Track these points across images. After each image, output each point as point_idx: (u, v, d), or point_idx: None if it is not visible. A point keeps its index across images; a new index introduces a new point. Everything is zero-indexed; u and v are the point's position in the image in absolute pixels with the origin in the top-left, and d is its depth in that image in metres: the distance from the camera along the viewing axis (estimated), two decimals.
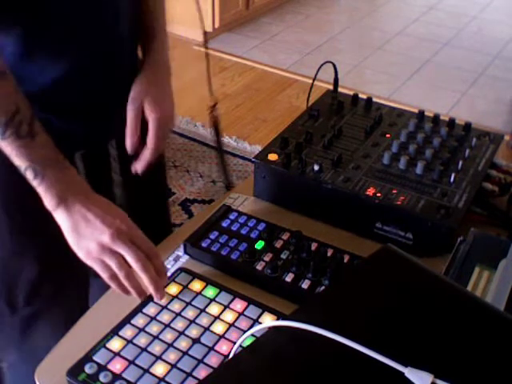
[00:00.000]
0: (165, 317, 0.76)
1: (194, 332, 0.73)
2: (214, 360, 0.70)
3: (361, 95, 1.15)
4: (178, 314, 0.76)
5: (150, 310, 0.76)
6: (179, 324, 0.75)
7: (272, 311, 0.76)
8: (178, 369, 0.69)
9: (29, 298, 0.96)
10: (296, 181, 0.95)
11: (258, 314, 0.76)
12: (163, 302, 0.77)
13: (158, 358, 0.70)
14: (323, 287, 0.79)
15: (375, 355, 0.52)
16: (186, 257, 0.88)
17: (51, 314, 0.99)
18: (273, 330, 0.59)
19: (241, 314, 0.76)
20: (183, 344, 0.72)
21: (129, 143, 0.93)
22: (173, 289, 0.79)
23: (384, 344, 0.53)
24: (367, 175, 0.94)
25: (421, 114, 1.09)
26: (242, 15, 3.81)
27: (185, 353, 0.71)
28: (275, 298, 0.80)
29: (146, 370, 0.69)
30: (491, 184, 0.98)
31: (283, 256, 0.85)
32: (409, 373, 0.50)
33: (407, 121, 1.08)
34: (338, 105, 1.12)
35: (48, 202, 0.76)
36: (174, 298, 0.78)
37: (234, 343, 0.71)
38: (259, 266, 0.83)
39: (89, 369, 0.68)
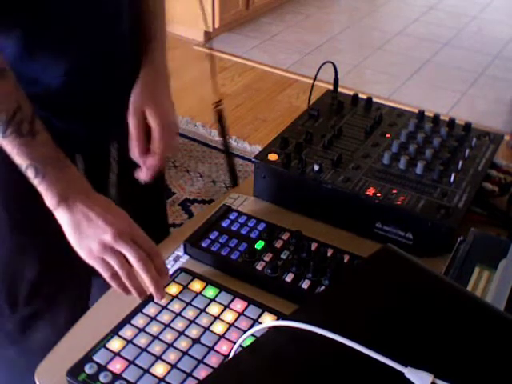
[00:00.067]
0: (165, 317, 0.76)
1: (194, 332, 0.73)
2: (214, 360, 0.70)
3: (361, 95, 1.15)
4: (178, 314, 0.76)
5: (150, 310, 0.76)
6: (179, 324, 0.75)
7: (272, 311, 0.76)
8: (178, 369, 0.69)
9: (29, 298, 0.96)
10: (296, 181, 0.95)
11: (258, 313, 0.76)
12: (163, 302, 0.77)
13: (158, 358, 0.70)
14: (323, 287, 0.79)
15: (375, 355, 0.52)
16: (186, 257, 0.88)
17: (51, 313, 0.99)
18: (273, 330, 0.59)
19: (241, 313, 0.76)
20: (183, 344, 0.72)
21: (135, 153, 0.91)
22: (173, 289, 0.79)
23: (384, 344, 0.53)
24: (367, 175, 0.94)
25: (421, 114, 1.09)
26: (242, 15, 3.81)
27: (185, 353, 0.71)
28: (275, 298, 0.80)
29: (146, 370, 0.69)
30: (491, 184, 0.98)
31: (283, 256, 0.85)
32: (409, 373, 0.50)
33: (407, 121, 1.08)
34: (337, 105, 1.12)
35: (49, 200, 0.76)
36: (174, 298, 0.78)
37: (234, 343, 0.71)
38: (259, 266, 0.83)
39: (89, 369, 0.68)
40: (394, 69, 3.42)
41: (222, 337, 0.73)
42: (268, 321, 0.75)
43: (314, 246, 0.86)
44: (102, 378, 0.67)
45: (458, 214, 0.86)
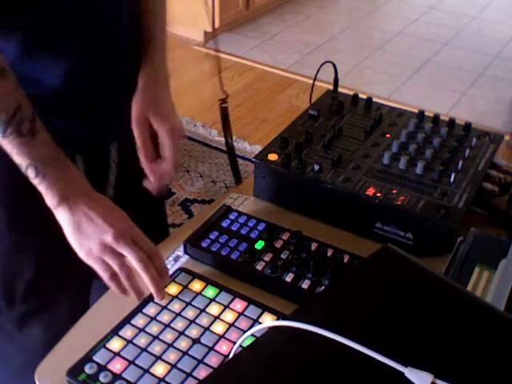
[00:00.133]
0: (165, 317, 0.76)
1: (194, 332, 0.73)
2: (213, 360, 0.70)
3: (361, 95, 1.15)
4: (178, 314, 0.76)
5: (150, 310, 0.76)
6: (179, 324, 0.75)
7: (272, 311, 0.76)
8: (178, 369, 0.69)
9: (26, 295, 0.96)
10: (296, 181, 0.95)
11: (258, 314, 0.76)
12: (163, 302, 0.77)
13: (158, 358, 0.70)
14: (323, 287, 0.79)
15: (375, 355, 0.52)
16: (186, 257, 0.88)
17: (50, 312, 0.99)
18: (273, 329, 0.59)
19: (241, 313, 0.76)
20: (183, 344, 0.72)
21: (144, 161, 0.90)
22: (173, 289, 0.79)
23: (384, 344, 0.53)
24: (367, 175, 0.94)
25: (421, 114, 1.09)
26: (242, 15, 3.81)
27: (185, 353, 0.71)
28: (275, 298, 0.80)
29: (146, 370, 0.69)
30: (491, 184, 0.98)
31: (283, 256, 0.85)
32: (409, 373, 0.50)
33: (407, 121, 1.08)
34: (338, 105, 1.12)
35: (49, 200, 0.76)
36: (174, 298, 0.78)
37: (234, 343, 0.71)
38: (259, 266, 0.83)
39: (89, 369, 0.68)
40: (394, 69, 3.42)
41: (221, 337, 0.73)
42: (268, 321, 0.75)
43: (314, 245, 0.86)
44: (102, 378, 0.67)
45: (458, 214, 0.86)
